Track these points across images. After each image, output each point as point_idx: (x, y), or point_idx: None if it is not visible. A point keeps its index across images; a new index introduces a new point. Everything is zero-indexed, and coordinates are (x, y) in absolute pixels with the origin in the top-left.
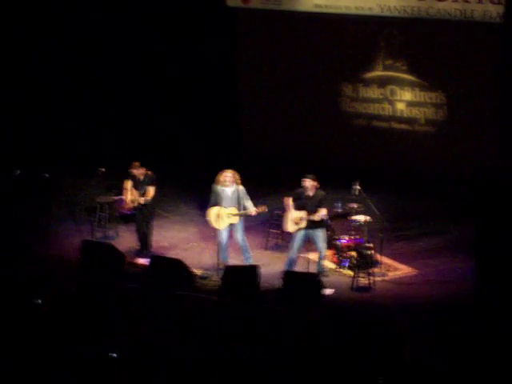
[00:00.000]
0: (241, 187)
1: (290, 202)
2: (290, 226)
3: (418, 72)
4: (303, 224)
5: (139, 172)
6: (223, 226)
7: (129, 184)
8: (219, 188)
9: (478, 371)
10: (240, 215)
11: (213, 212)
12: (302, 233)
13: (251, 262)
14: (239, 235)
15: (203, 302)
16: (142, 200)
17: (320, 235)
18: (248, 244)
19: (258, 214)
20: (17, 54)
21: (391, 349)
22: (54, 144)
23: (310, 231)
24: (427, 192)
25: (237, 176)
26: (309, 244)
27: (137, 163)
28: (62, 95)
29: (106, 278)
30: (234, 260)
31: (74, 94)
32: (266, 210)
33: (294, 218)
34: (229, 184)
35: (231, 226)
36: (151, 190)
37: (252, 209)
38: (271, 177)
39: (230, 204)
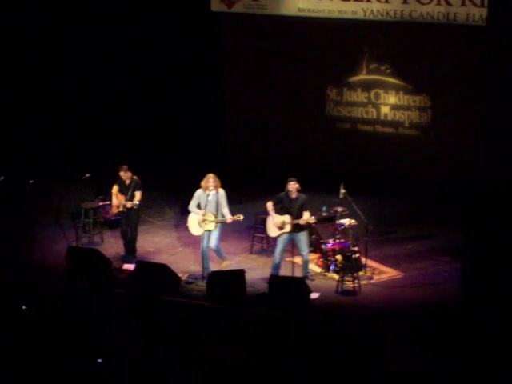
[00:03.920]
0: (221, 192)
1: (270, 206)
2: (272, 231)
3: (402, 75)
4: (288, 228)
5: (126, 176)
6: (199, 233)
7: (115, 189)
8: (201, 193)
9: (465, 373)
10: (216, 222)
11: (190, 218)
12: (285, 237)
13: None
14: (213, 241)
15: (189, 307)
16: (128, 204)
17: (303, 239)
18: (222, 249)
19: (233, 222)
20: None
21: (375, 352)
22: (38, 150)
23: (294, 235)
24: (412, 195)
25: (217, 180)
26: (294, 248)
27: (125, 166)
28: (47, 101)
29: (92, 284)
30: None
31: (58, 101)
32: (241, 219)
33: (276, 223)
34: (212, 188)
35: (209, 232)
36: (138, 195)
37: (228, 216)
38: (256, 181)
39: (211, 209)
